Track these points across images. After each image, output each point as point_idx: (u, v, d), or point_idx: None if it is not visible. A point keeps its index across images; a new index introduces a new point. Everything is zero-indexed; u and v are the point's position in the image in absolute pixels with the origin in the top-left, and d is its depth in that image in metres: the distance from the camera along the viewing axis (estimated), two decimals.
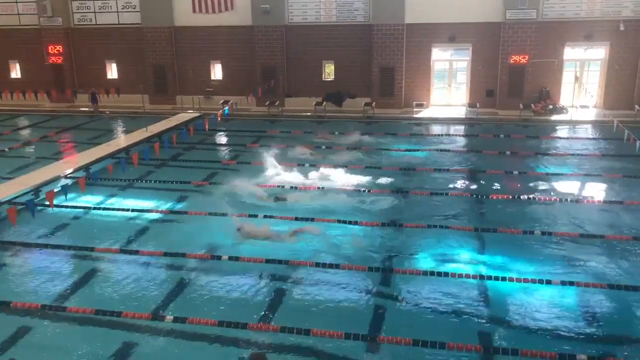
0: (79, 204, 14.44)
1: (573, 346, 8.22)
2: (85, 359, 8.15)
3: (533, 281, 9.97)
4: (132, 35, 27.86)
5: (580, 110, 24.25)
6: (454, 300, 9.52)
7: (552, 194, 14.91)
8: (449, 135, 22.27)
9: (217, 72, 27.91)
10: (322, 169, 16.71)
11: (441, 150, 19.63)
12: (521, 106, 24.10)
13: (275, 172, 16.57)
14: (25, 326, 8.98)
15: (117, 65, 28.84)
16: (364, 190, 15.18)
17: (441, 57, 26.37)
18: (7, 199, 13.83)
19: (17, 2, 28.95)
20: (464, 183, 16.09)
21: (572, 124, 23.45)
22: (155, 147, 18.18)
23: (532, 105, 24.34)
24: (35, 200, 13.95)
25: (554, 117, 24.20)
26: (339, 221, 12.76)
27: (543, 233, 12.14)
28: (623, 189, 15.15)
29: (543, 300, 9.57)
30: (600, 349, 8.22)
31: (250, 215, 13.17)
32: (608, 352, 8.16)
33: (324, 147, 19.82)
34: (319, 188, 15.27)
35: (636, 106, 23.59)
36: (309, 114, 25.46)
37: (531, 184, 15.65)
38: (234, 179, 15.43)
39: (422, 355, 8.04)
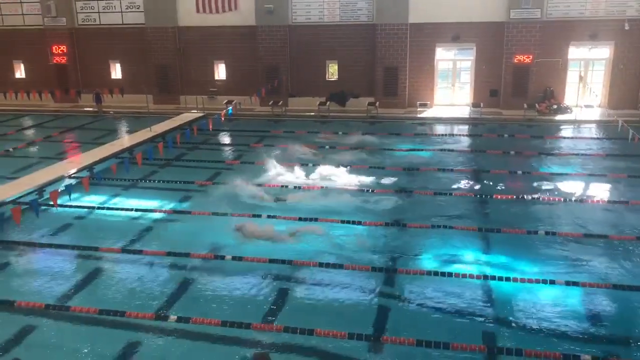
0: (82, 204, 14.47)
1: (577, 346, 8.19)
2: (89, 359, 8.16)
3: (537, 281, 9.93)
4: (136, 35, 27.91)
5: (584, 110, 24.18)
6: (457, 301, 9.50)
7: (556, 194, 14.86)
8: (452, 135, 22.23)
9: (220, 72, 27.95)
10: (325, 169, 16.68)
11: (445, 150, 19.59)
12: (525, 106, 24.03)
13: (279, 172, 16.55)
14: (29, 325, 8.99)
15: (121, 65, 28.91)
16: (367, 190, 15.16)
17: (445, 56, 26.33)
18: (11, 199, 13.88)
19: (21, 3, 29.05)
20: (468, 183, 16.05)
21: (577, 123, 23.38)
22: (159, 147, 18.18)
23: (537, 105, 24.28)
24: (39, 200, 13.96)
25: (559, 117, 24.14)
26: (342, 221, 12.75)
27: (547, 233, 12.10)
28: (628, 189, 15.10)
29: (547, 300, 9.54)
30: (604, 349, 8.18)
31: (253, 215, 13.17)
32: (612, 352, 8.12)
33: (327, 147, 19.82)
34: (322, 188, 15.26)
35: None
36: (313, 114, 25.45)
37: (535, 184, 15.62)
38: (237, 179, 15.42)
39: (426, 356, 8.02)
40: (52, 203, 13.20)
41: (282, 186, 15.47)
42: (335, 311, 9.33)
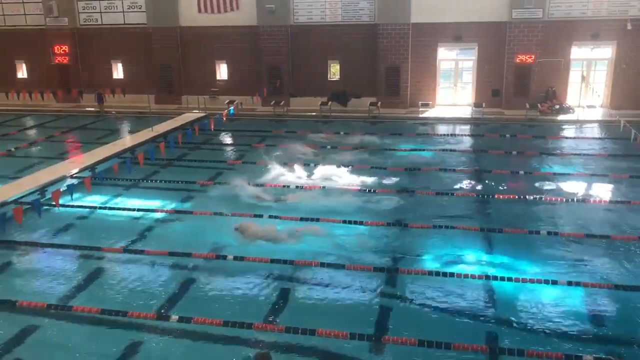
0: (84, 204, 14.47)
1: (579, 347, 8.18)
2: (92, 359, 8.17)
3: (539, 281, 9.92)
4: (137, 35, 27.92)
5: (587, 110, 24.15)
6: (459, 301, 9.49)
7: (558, 194, 14.84)
8: (454, 135, 22.21)
9: (222, 72, 27.94)
10: (327, 169, 16.68)
11: (447, 150, 19.57)
12: (527, 106, 24.00)
13: (281, 172, 16.55)
14: (31, 325, 9.00)
15: (122, 65, 28.92)
16: (369, 190, 15.15)
17: (447, 56, 26.30)
18: (13, 199, 13.91)
19: (23, 3, 29.08)
20: (470, 183, 16.03)
21: (579, 123, 23.34)
22: (160, 147, 18.23)
23: (539, 105, 24.24)
24: (41, 200, 13.99)
25: (561, 117, 24.10)
26: (344, 221, 12.74)
27: (549, 233, 12.08)
28: (630, 189, 15.08)
29: (549, 300, 9.52)
30: (606, 349, 8.16)
31: (255, 215, 13.17)
32: (614, 353, 8.09)
33: (329, 147, 19.81)
34: (324, 188, 15.26)
35: None
36: (314, 114, 25.43)
37: (537, 184, 15.60)
38: (239, 179, 15.43)
39: (427, 356, 8.01)
40: (54, 203, 13.24)
41: (283, 186, 15.47)
42: (336, 311, 9.33)
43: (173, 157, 18.83)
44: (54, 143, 21.67)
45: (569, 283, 9.85)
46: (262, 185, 15.41)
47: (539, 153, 18.80)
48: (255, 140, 21.23)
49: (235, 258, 10.99)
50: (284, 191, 15.09)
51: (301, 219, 12.83)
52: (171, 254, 11.26)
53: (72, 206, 14.09)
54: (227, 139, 22.91)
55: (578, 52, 24.87)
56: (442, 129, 23.46)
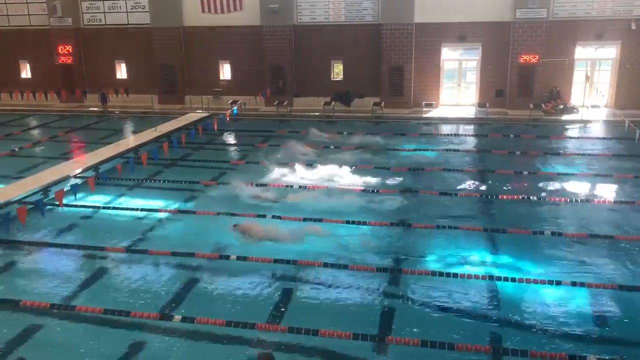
0: (88, 204, 14.49)
1: (583, 347, 8.14)
2: (94, 358, 8.17)
3: (543, 282, 9.89)
4: (141, 35, 27.94)
5: (591, 110, 24.06)
6: (462, 301, 9.47)
7: (562, 194, 14.79)
8: (458, 135, 22.17)
9: (225, 72, 27.95)
10: (330, 169, 16.66)
11: (450, 150, 19.54)
12: (531, 106, 23.94)
13: (283, 172, 16.54)
14: (35, 325, 9.01)
15: (126, 65, 28.97)
16: (372, 190, 15.13)
17: (451, 56, 26.26)
18: (17, 199, 13.92)
19: (27, 3, 29.14)
20: (474, 183, 15.99)
21: (583, 123, 23.28)
22: (164, 147, 18.24)
23: (543, 105, 24.19)
24: (45, 200, 14.03)
25: (565, 117, 24.03)
26: (347, 221, 12.72)
27: (553, 234, 12.05)
28: (634, 189, 15.02)
29: (553, 301, 9.49)
30: (610, 350, 8.13)
31: (258, 215, 13.17)
32: (618, 353, 8.06)
33: (332, 146, 19.80)
34: (327, 188, 15.23)
35: None
36: (318, 113, 25.41)
37: (541, 184, 15.55)
38: (242, 179, 15.43)
39: (431, 356, 8.00)
40: (57, 203, 13.25)
41: (286, 186, 15.46)
42: (339, 311, 9.31)
43: (176, 157, 18.84)
44: (57, 143, 21.72)
45: (573, 283, 9.82)
46: (265, 185, 15.40)
47: (543, 153, 18.75)
48: (259, 140, 21.23)
49: (238, 258, 10.99)
50: (286, 191, 15.07)
51: (304, 219, 12.82)
52: (174, 253, 11.27)
53: (76, 206, 14.12)
54: (231, 139, 22.92)
55: (582, 52, 24.79)
56: (445, 129, 23.42)
